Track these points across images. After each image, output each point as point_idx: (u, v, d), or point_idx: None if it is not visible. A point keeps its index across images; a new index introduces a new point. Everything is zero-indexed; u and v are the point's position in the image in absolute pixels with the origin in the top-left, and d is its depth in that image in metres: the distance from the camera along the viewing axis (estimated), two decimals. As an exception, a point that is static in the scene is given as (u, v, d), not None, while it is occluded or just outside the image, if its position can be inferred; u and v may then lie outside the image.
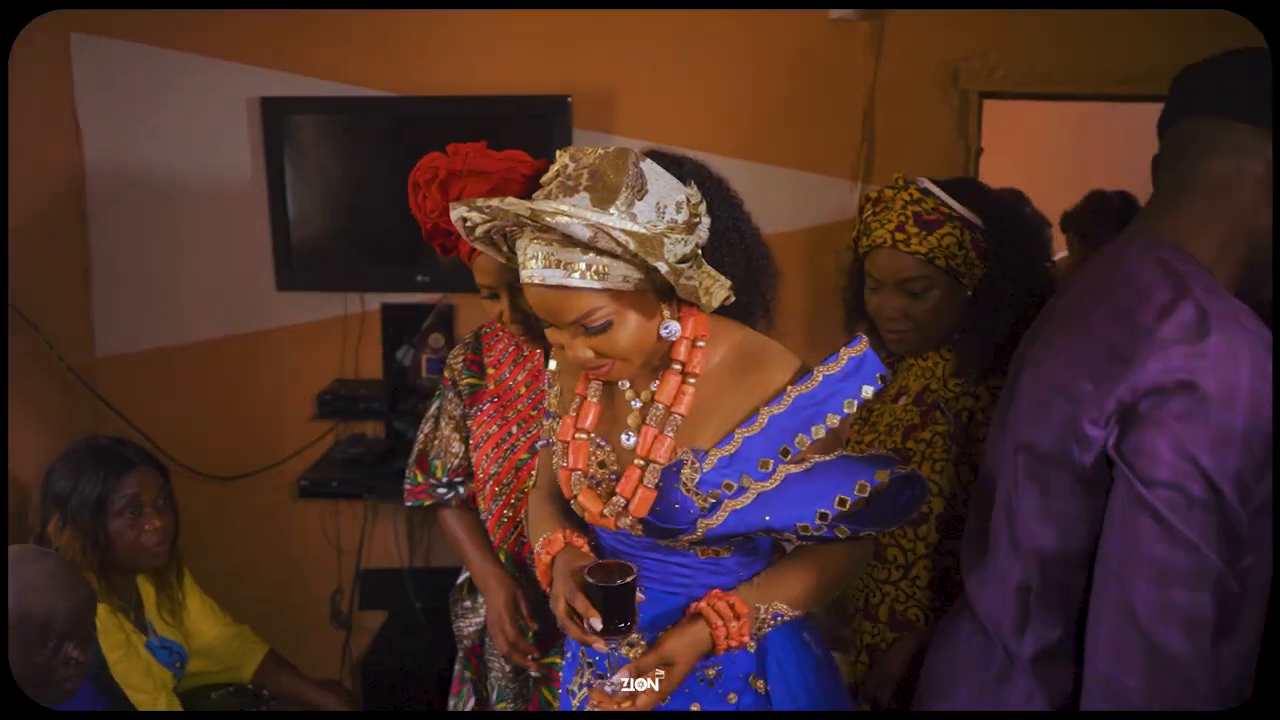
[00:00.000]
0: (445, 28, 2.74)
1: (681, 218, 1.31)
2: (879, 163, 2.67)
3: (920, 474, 1.40)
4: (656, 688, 1.37)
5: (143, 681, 2.08)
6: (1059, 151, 4.79)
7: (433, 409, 2.02)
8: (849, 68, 2.66)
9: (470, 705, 2.05)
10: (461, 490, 1.99)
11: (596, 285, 1.27)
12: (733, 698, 1.49)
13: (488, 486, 1.90)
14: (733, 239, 1.43)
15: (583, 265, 1.26)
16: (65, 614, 1.74)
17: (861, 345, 1.39)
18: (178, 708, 2.14)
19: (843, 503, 1.36)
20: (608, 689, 1.37)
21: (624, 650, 1.44)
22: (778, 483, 1.37)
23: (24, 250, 2.65)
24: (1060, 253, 3.71)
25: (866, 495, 1.36)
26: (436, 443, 2.00)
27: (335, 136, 2.79)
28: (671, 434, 1.40)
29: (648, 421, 1.42)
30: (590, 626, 1.35)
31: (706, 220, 1.35)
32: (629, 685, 1.37)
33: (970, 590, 1.43)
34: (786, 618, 1.42)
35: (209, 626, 2.39)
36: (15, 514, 2.70)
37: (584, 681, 1.55)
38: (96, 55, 2.76)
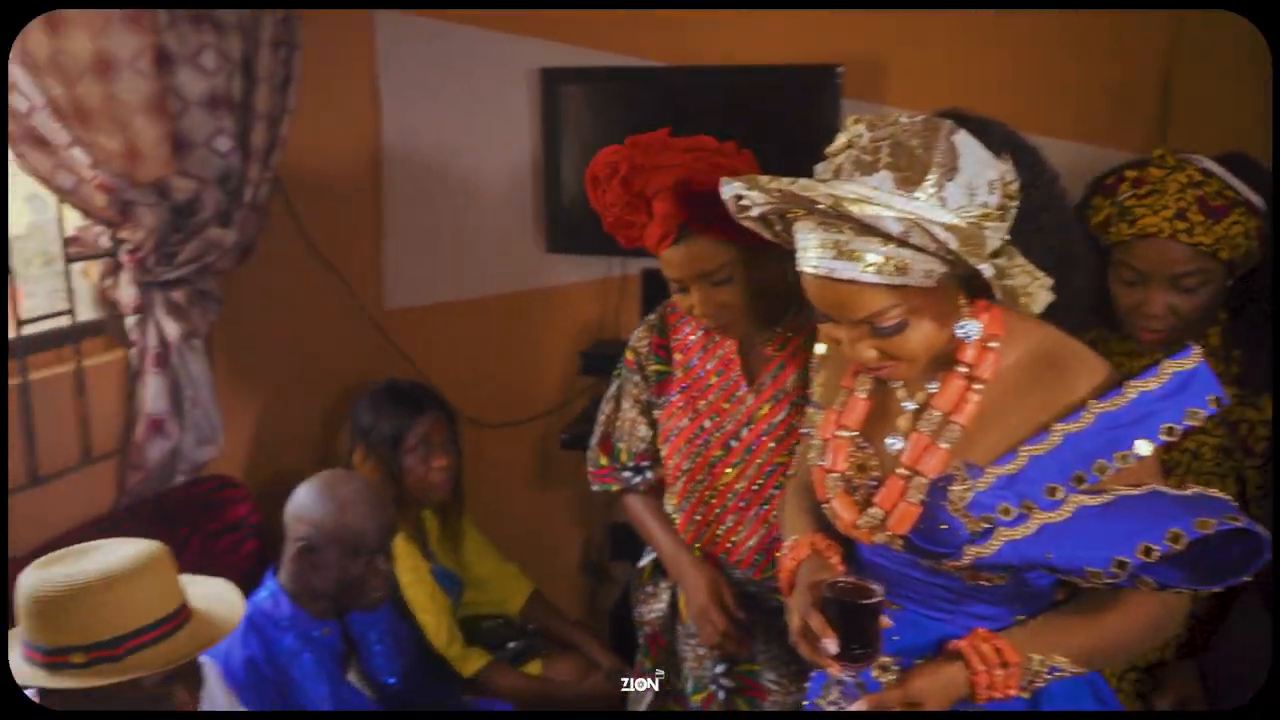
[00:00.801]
0: (718, -4, 2.78)
1: (994, 201, 1.12)
2: (1174, 135, 2.50)
3: (1258, 528, 1.13)
4: None
5: (429, 604, 2.28)
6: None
7: (613, 389, 1.94)
8: (1143, 26, 2.50)
9: (650, 696, 1.98)
10: (649, 475, 1.91)
11: (895, 281, 1.10)
12: None
13: (679, 483, 1.82)
14: (1045, 220, 1.21)
15: (879, 258, 1.09)
16: (376, 530, 1.93)
17: (1191, 358, 1.17)
18: (458, 632, 2.32)
19: (1148, 552, 1.13)
20: (852, 707, 1.25)
21: (875, 673, 1.32)
22: (1067, 515, 1.17)
23: (327, 208, 2.93)
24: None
25: (1180, 546, 1.13)
26: (619, 425, 1.91)
27: (606, 105, 2.89)
28: (946, 445, 1.23)
29: (919, 427, 1.26)
30: (824, 648, 1.22)
31: (1016, 202, 1.16)
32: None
33: None
34: (1066, 675, 1.22)
35: (483, 560, 2.58)
36: (323, 441, 2.99)
37: (832, 700, 1.42)
38: (397, 30, 3.00)
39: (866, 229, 1.08)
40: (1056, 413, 1.19)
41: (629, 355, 1.89)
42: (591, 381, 3.06)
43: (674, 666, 1.95)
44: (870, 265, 1.10)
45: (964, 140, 1.12)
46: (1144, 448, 1.16)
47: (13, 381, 2.05)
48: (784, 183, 1.14)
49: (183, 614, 1.40)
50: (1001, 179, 1.14)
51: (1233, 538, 1.14)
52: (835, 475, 1.33)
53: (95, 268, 2.27)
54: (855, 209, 1.06)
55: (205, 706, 1.50)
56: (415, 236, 3.14)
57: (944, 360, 1.24)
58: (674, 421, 1.81)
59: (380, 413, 2.39)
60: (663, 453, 1.85)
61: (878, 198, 1.08)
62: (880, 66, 2.70)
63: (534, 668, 2.44)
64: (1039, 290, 1.14)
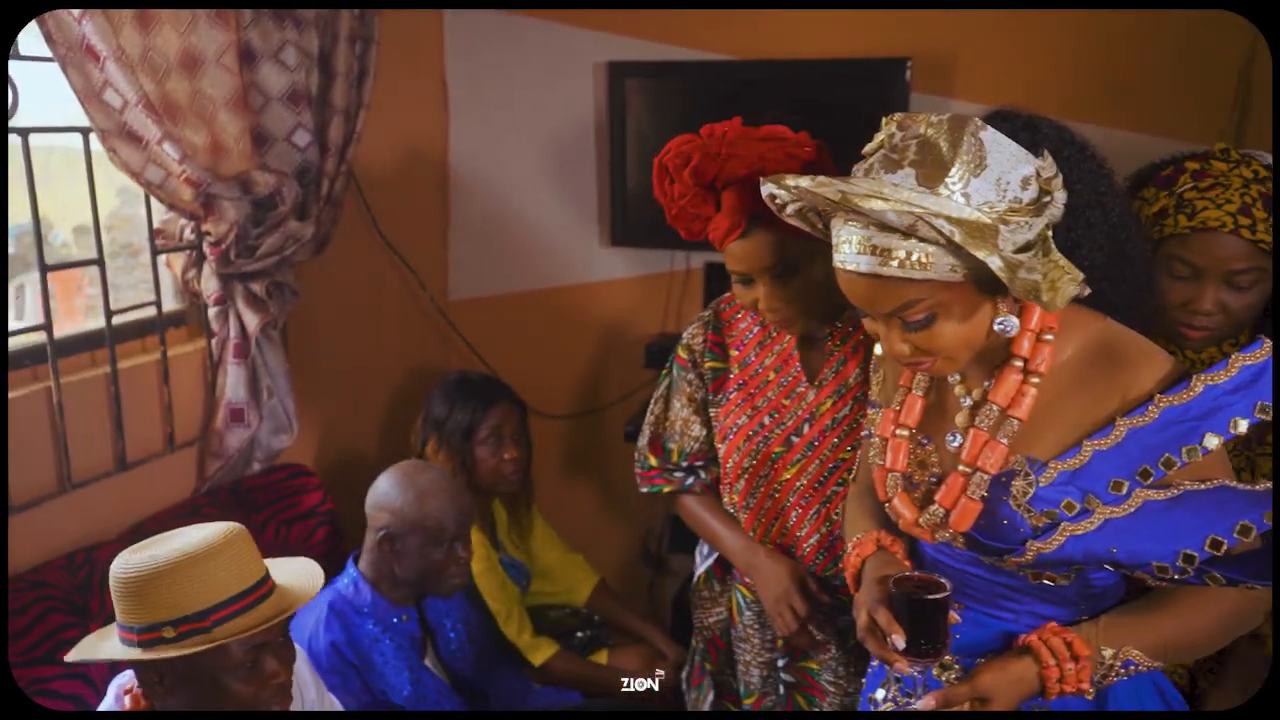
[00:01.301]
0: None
1: (1028, 195, 1.13)
2: (1250, 136, 2.46)
3: None
4: None
5: (499, 593, 2.31)
6: None
7: (661, 389, 1.92)
8: (1218, 24, 2.46)
9: (710, 698, 2.00)
10: (703, 475, 1.89)
11: (917, 276, 1.12)
12: None
13: (741, 481, 1.80)
14: (1093, 216, 1.22)
15: (902, 253, 1.11)
16: (455, 518, 1.97)
17: (1261, 351, 1.14)
18: (527, 621, 2.36)
19: (1216, 545, 1.13)
20: (916, 706, 1.24)
21: (935, 672, 1.32)
22: (1132, 510, 1.16)
23: (396, 202, 2.97)
24: None
25: (1250, 539, 1.12)
26: (670, 425, 1.89)
27: (671, 100, 2.90)
28: (1006, 440, 1.23)
29: (978, 424, 1.26)
30: (892, 644, 1.23)
31: (1061, 195, 1.16)
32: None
33: None
34: (1141, 669, 1.21)
35: (550, 551, 2.61)
36: (390, 430, 3.03)
37: (889, 695, 1.42)
38: (465, 25, 3.03)
39: (891, 226, 1.10)
40: (1119, 407, 1.18)
41: (681, 353, 1.87)
42: (654, 374, 3.07)
43: (732, 670, 1.95)
44: (894, 259, 1.11)
45: (992, 137, 1.12)
46: (1212, 442, 1.14)
47: (102, 371, 2.11)
48: (804, 182, 1.16)
49: (266, 585, 1.45)
50: (1037, 174, 1.14)
51: None
52: (895, 474, 1.34)
53: (179, 260, 2.33)
54: (863, 204, 1.08)
55: (294, 691, 1.54)
56: (481, 229, 3.18)
57: (1002, 357, 1.24)
58: (732, 419, 1.79)
59: (453, 404, 2.42)
60: (721, 451, 1.82)
61: (891, 193, 1.09)
62: (949, 60, 2.68)
63: (600, 657, 2.47)
64: (1066, 285, 1.11)
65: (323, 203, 2.41)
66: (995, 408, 1.24)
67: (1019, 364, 1.23)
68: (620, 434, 2.94)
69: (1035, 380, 1.22)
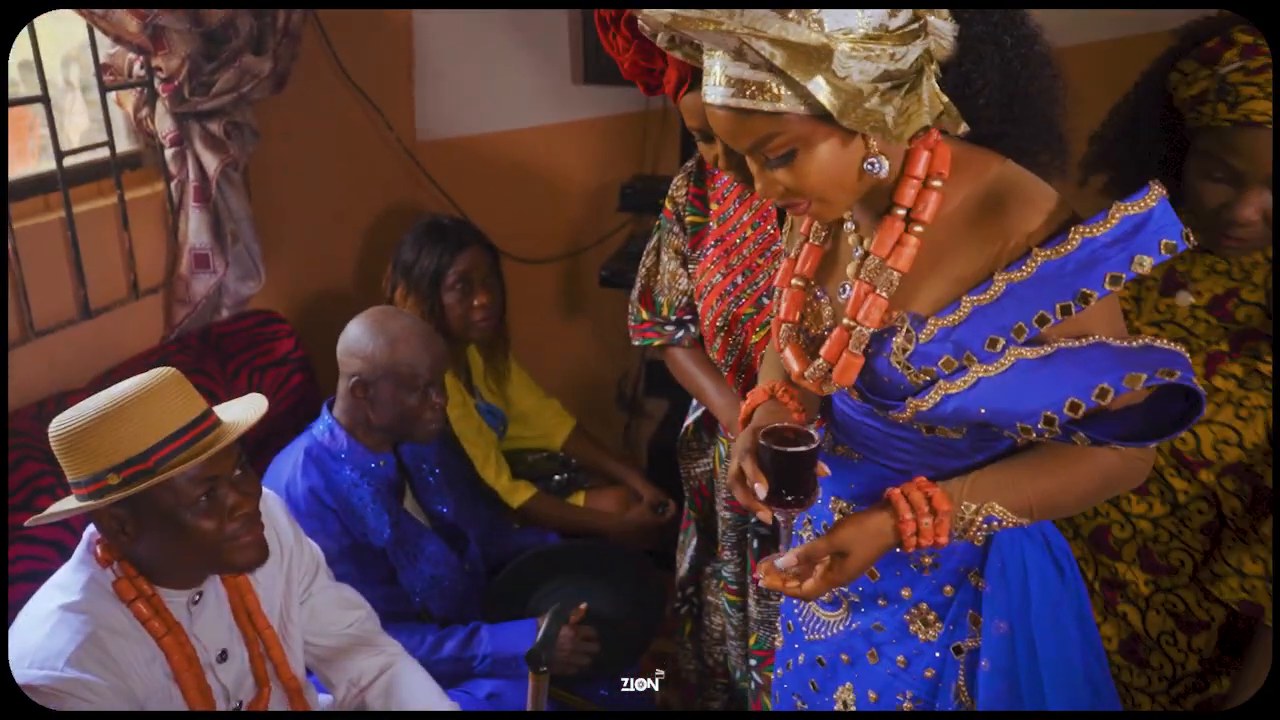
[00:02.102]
0: None
1: (896, 23, 1.02)
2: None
3: (1195, 383, 1.08)
4: (819, 578, 1.19)
5: (476, 437, 2.32)
6: None
7: (653, 241, 1.88)
8: None
9: (694, 545, 2.04)
10: (692, 329, 1.86)
11: (766, 108, 1.04)
12: (949, 590, 1.31)
13: (716, 340, 1.76)
14: (987, 51, 1.11)
15: (754, 85, 1.03)
16: (428, 364, 1.95)
17: (1147, 199, 1.06)
18: (505, 465, 2.38)
19: (1074, 408, 1.08)
20: (778, 563, 1.22)
21: (803, 532, 1.30)
22: (1005, 368, 1.10)
23: (358, 39, 2.83)
24: None
25: (1108, 402, 1.07)
26: (660, 278, 1.86)
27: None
28: (885, 294, 1.16)
29: (861, 276, 1.19)
30: (755, 492, 1.20)
31: (946, 25, 1.06)
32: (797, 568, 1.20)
33: None
34: (1007, 525, 1.18)
35: (526, 396, 2.62)
36: (364, 274, 2.98)
37: (783, 554, 1.36)
38: None
39: (740, 56, 1.03)
40: (999, 258, 1.11)
41: (667, 205, 1.82)
42: (629, 218, 3.02)
43: (713, 523, 1.98)
44: (747, 90, 1.04)
45: None
46: (1089, 296, 1.07)
47: (58, 215, 2.04)
48: (647, 11, 1.07)
49: (208, 420, 1.43)
50: None
51: (1172, 395, 1.09)
52: (788, 325, 1.30)
53: (130, 98, 2.22)
54: (689, 29, 1.01)
55: (270, 536, 1.54)
56: (448, 67, 3.04)
57: (888, 204, 1.17)
58: (708, 277, 1.74)
59: (421, 250, 2.37)
60: (699, 308, 1.79)
61: (731, 19, 0.99)
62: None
63: (578, 499, 2.51)
64: (917, 117, 1.02)
65: (279, 36, 2.29)
66: (876, 259, 1.18)
67: (900, 212, 1.15)
68: (595, 278, 2.91)
69: (918, 229, 1.14)
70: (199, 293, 2.29)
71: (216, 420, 1.45)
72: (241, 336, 2.41)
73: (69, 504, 1.40)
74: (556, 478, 2.57)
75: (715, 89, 1.07)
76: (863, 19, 1.00)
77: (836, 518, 1.32)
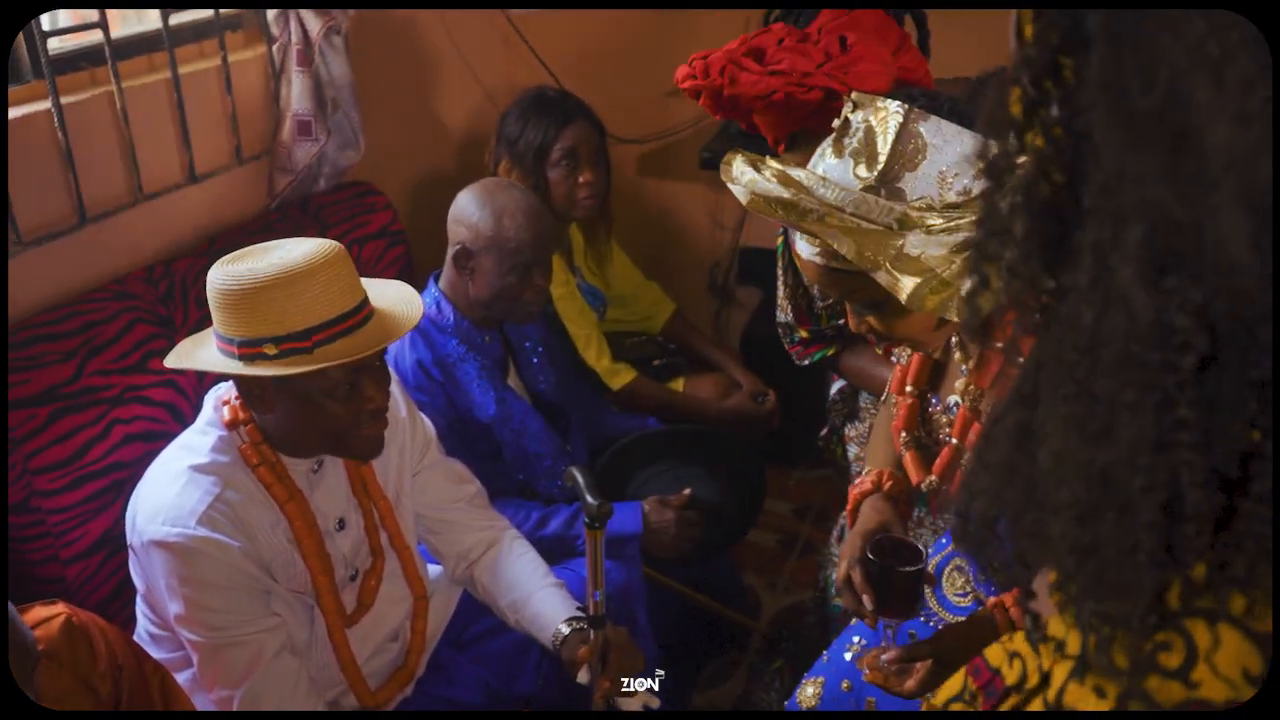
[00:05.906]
0: None
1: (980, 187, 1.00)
2: None
3: None
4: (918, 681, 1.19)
5: (579, 319, 2.28)
6: None
7: (782, 261, 1.89)
8: None
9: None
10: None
11: (832, 264, 1.11)
12: None
13: None
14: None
15: (820, 242, 1.10)
16: (532, 241, 1.89)
17: None
18: (606, 347, 2.34)
19: None
20: (882, 659, 1.22)
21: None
22: None
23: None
24: None
25: None
26: (803, 291, 1.89)
27: None
28: None
29: (964, 400, 1.21)
30: (864, 603, 1.22)
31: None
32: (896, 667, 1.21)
33: None
34: None
35: (627, 279, 2.56)
36: (467, 147, 2.90)
37: (863, 640, 1.43)
38: None
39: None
40: None
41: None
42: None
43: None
44: (816, 248, 1.12)
45: (937, 128, 1.04)
46: None
47: (161, 76, 2.00)
48: (732, 178, 1.11)
49: (366, 309, 1.41)
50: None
51: None
52: (905, 433, 1.32)
53: (232, -46, 2.14)
54: (765, 213, 1.06)
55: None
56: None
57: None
58: None
59: (526, 122, 2.29)
60: None
61: (818, 186, 1.04)
62: None
63: (677, 384, 2.47)
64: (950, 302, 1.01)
65: (383, -109, 2.18)
66: (976, 389, 1.20)
67: (1000, 345, 1.13)
68: (696, 160, 2.81)
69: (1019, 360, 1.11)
70: (301, 160, 2.24)
71: (372, 311, 1.42)
72: (342, 208, 2.37)
73: (214, 357, 1.38)
74: (655, 363, 2.52)
75: (804, 244, 1.14)
76: (938, 188, 1.03)
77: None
